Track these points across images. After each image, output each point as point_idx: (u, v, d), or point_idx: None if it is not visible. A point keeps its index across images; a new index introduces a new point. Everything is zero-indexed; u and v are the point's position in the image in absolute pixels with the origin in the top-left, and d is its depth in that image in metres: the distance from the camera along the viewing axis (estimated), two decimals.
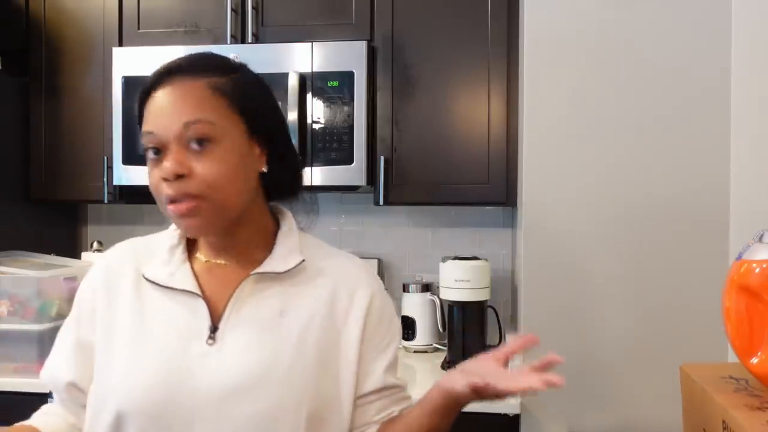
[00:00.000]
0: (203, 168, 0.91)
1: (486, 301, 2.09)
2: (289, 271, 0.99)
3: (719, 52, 1.73)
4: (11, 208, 2.30)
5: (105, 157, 2.25)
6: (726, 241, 1.72)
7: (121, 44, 2.27)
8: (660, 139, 1.75)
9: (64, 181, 2.33)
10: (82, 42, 2.32)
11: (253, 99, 0.99)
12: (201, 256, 1.02)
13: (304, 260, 1.00)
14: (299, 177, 1.08)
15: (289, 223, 1.04)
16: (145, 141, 0.94)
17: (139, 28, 2.27)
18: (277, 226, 1.04)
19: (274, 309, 0.97)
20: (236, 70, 1.01)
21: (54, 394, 1.04)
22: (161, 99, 0.94)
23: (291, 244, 1.01)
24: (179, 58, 0.98)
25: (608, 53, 1.77)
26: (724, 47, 1.73)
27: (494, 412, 1.77)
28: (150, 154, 0.94)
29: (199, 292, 0.97)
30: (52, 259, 2.14)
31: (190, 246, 1.03)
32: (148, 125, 0.94)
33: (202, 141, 0.91)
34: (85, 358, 1.00)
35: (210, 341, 0.95)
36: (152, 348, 0.95)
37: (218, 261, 1.01)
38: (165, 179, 0.91)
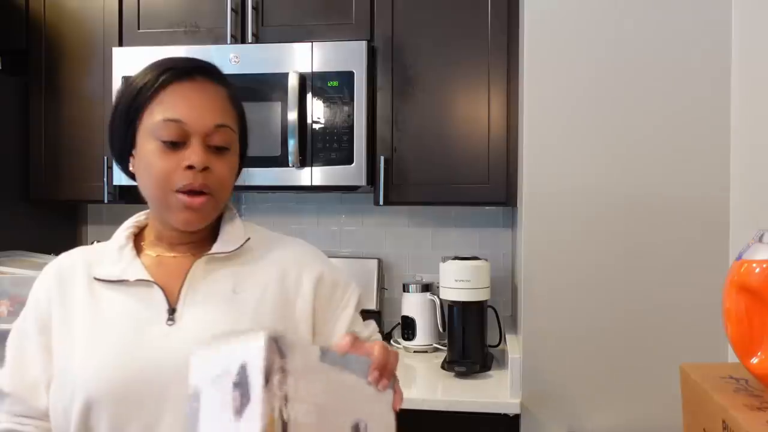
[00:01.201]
0: (220, 167, 0.99)
1: (486, 301, 2.09)
2: (237, 250, 1.04)
3: (719, 52, 1.73)
4: (11, 208, 2.30)
5: (105, 157, 2.25)
6: (726, 241, 1.72)
7: (121, 44, 2.27)
8: (660, 139, 1.75)
9: (64, 181, 2.34)
10: (83, 42, 2.32)
11: (244, 115, 1.08)
12: (150, 252, 1.06)
13: (249, 238, 1.06)
14: None
15: (231, 212, 1.10)
16: (166, 127, 0.97)
17: (139, 28, 2.27)
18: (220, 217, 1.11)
19: (227, 287, 1.02)
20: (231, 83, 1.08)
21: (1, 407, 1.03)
22: (191, 92, 0.99)
23: (235, 228, 1.07)
24: (198, 60, 1.03)
25: (608, 53, 1.77)
26: (724, 47, 1.73)
27: (494, 412, 1.78)
28: (166, 140, 0.97)
29: (152, 280, 1.01)
30: (52, 259, 2.14)
31: (137, 246, 1.07)
32: (174, 113, 0.97)
33: (223, 145, 0.99)
34: (48, 360, 1.01)
35: (170, 322, 0.98)
36: (110, 337, 0.97)
37: (170, 254, 1.05)
38: (190, 167, 0.96)
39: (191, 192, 0.97)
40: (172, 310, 0.99)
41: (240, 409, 0.66)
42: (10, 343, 1.05)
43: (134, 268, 1.02)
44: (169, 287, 1.01)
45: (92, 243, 2.33)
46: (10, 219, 2.28)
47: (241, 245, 1.05)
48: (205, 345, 0.72)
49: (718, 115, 1.73)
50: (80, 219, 2.68)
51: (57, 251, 2.40)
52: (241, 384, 0.67)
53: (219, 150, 0.99)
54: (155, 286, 1.00)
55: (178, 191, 0.97)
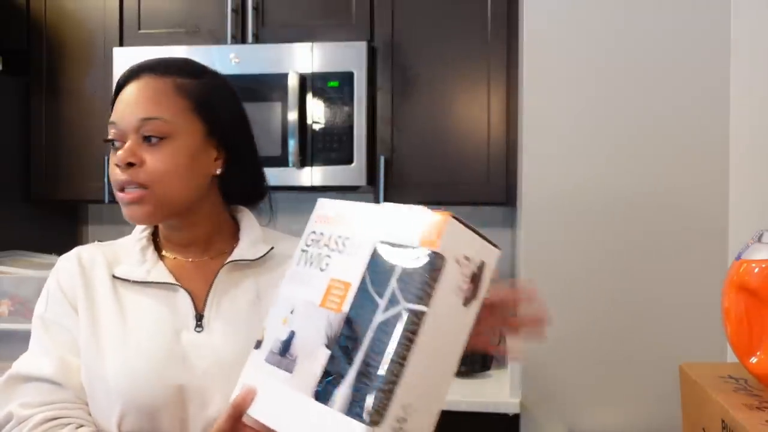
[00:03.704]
0: (153, 160, 0.96)
1: None
2: (260, 258, 1.04)
3: (718, 52, 1.73)
4: (11, 208, 2.30)
5: (105, 157, 2.25)
6: (725, 241, 1.72)
7: (121, 44, 2.27)
8: (659, 139, 1.75)
9: (64, 181, 2.34)
10: (83, 42, 2.32)
11: (216, 104, 1.03)
12: (169, 255, 1.06)
13: (273, 248, 1.06)
14: (260, 183, 1.12)
15: (248, 219, 1.09)
16: (108, 131, 1.00)
17: (139, 29, 2.28)
18: (236, 224, 1.09)
19: (251, 295, 1.02)
20: (204, 74, 1.05)
21: (53, 394, 0.98)
22: (128, 93, 1.01)
23: (255, 235, 1.07)
24: (154, 58, 1.06)
25: (608, 53, 1.77)
26: (723, 48, 1.73)
27: (494, 412, 1.78)
28: (113, 143, 0.99)
29: (179, 284, 1.01)
30: (52, 259, 2.15)
31: (157, 247, 1.06)
32: (113, 116, 1.00)
33: (154, 137, 0.97)
34: (78, 347, 0.99)
35: (198, 329, 0.98)
36: (143, 344, 0.96)
37: (187, 258, 1.05)
38: (117, 166, 0.97)
39: (123, 188, 0.97)
40: (199, 317, 0.99)
41: (468, 300, 0.72)
42: (38, 330, 1.02)
43: (158, 270, 1.02)
44: (193, 291, 1.01)
45: (92, 243, 2.35)
46: (10, 219, 2.28)
47: (266, 253, 1.04)
48: (457, 222, 0.71)
49: (717, 115, 1.73)
50: (80, 219, 2.68)
51: (57, 251, 2.39)
52: (475, 279, 0.72)
53: (150, 142, 0.97)
54: (181, 291, 1.00)
55: (117, 190, 0.98)
